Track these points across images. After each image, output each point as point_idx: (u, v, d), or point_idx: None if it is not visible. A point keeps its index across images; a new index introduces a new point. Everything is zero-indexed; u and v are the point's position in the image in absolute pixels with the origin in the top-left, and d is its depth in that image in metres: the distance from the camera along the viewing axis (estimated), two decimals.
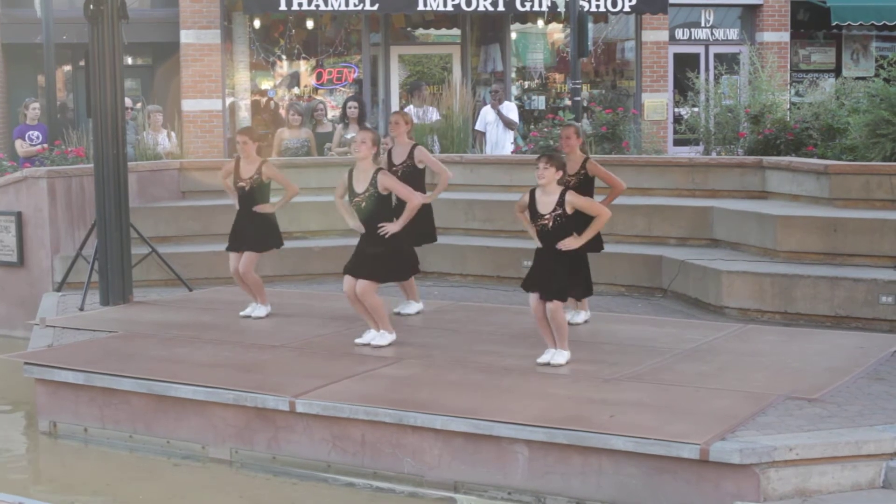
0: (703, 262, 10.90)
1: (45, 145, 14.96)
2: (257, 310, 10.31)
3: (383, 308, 9.16)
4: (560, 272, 8.31)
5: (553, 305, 8.29)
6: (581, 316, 9.72)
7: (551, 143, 14.93)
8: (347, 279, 9.09)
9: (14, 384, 9.74)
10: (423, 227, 10.14)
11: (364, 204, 9.05)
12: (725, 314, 10.32)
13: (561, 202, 8.26)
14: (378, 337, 9.10)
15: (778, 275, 10.17)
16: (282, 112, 19.92)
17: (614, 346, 9.03)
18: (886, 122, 11.97)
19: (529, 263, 11.82)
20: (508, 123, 16.95)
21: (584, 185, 9.35)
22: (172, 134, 15.82)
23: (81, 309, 10.86)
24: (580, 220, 8.41)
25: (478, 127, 16.78)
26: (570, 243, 8.28)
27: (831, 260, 10.49)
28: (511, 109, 17.37)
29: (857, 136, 12.61)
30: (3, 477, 8.12)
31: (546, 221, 8.31)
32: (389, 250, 9.05)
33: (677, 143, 21.33)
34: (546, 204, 8.31)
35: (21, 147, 15.36)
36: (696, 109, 16.55)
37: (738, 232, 11.42)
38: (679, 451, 6.56)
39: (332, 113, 19.07)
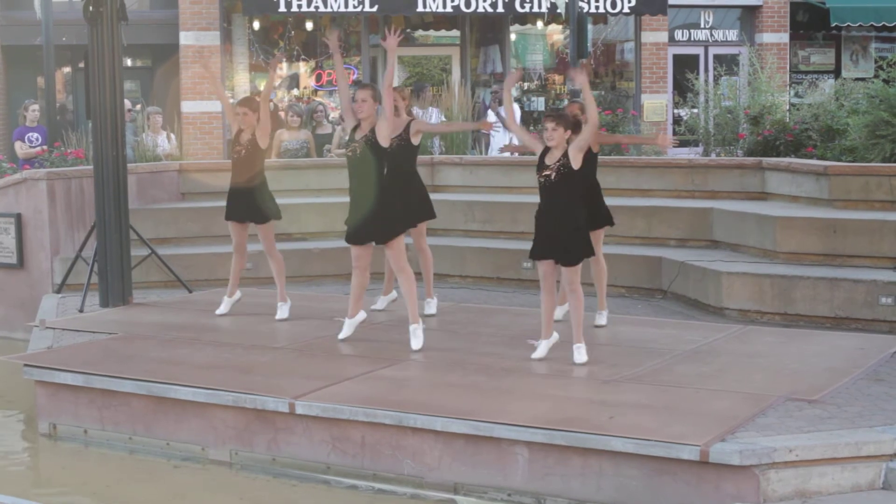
0: (702, 263, 10.90)
1: (45, 147, 14.95)
2: (280, 310, 10.27)
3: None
4: (571, 233, 8.35)
5: (570, 274, 8.34)
6: (604, 317, 9.74)
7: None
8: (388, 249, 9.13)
9: (14, 386, 9.74)
10: (422, 202, 10.07)
11: (359, 150, 8.97)
12: (725, 315, 10.32)
13: (565, 153, 8.32)
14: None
15: (777, 276, 10.18)
16: (281, 114, 19.92)
17: (614, 347, 9.03)
18: (886, 123, 11.97)
19: (530, 265, 11.92)
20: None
21: (590, 160, 9.17)
22: (172, 135, 15.82)
23: (81, 311, 10.86)
24: (583, 171, 8.48)
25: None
26: (577, 77, 8.54)
27: (831, 261, 10.49)
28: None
29: (856, 137, 12.62)
30: (3, 479, 8.12)
31: (549, 172, 8.35)
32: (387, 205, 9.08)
33: (677, 144, 21.31)
34: (553, 157, 8.38)
35: (21, 149, 15.35)
36: (695, 110, 16.56)
37: (738, 233, 11.43)
38: (679, 452, 6.56)
39: (332, 114, 19.07)
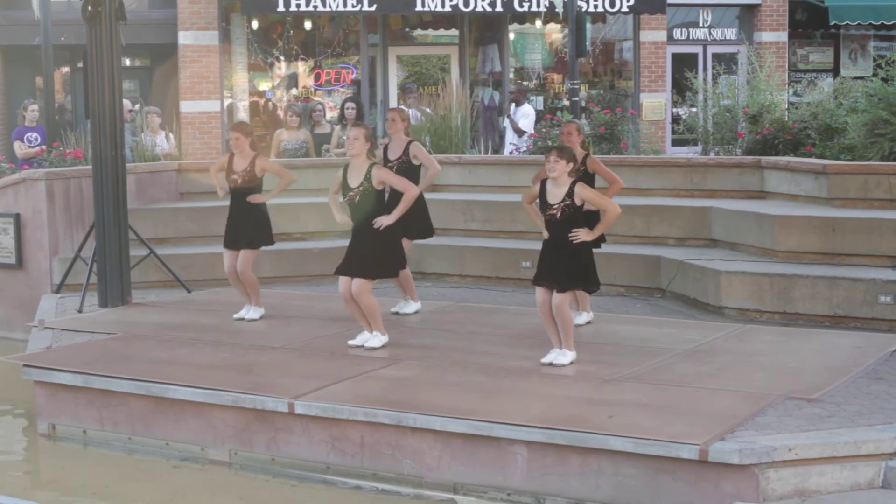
0: (701, 262, 10.90)
1: (44, 147, 14.95)
2: (251, 311, 10.29)
3: (378, 309, 9.15)
4: (568, 263, 8.34)
5: (558, 300, 8.30)
6: (583, 317, 9.73)
7: (549, 143, 14.94)
8: (343, 280, 9.09)
9: (13, 386, 9.73)
10: (421, 221, 10.17)
11: (358, 199, 9.04)
12: (724, 314, 10.32)
13: (570, 193, 8.31)
14: (371, 339, 9.09)
15: (776, 275, 10.18)
16: (280, 113, 19.92)
17: (613, 346, 9.03)
18: (884, 121, 11.98)
19: (529, 264, 11.92)
20: (517, 131, 16.99)
21: (583, 181, 9.33)
22: (171, 135, 15.82)
23: (80, 311, 10.86)
24: (586, 214, 8.49)
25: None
26: (583, 235, 8.33)
27: (830, 260, 10.49)
28: (527, 114, 17.38)
29: (855, 136, 12.62)
30: (3, 479, 8.11)
31: (554, 212, 8.35)
32: (379, 246, 9.05)
33: (675, 143, 21.34)
34: (556, 195, 8.36)
35: (19, 149, 15.35)
36: (694, 109, 16.56)
37: (737, 232, 11.42)
38: (678, 451, 6.56)
39: (331, 114, 19.06)
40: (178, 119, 17.78)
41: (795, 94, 20.81)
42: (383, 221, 8.98)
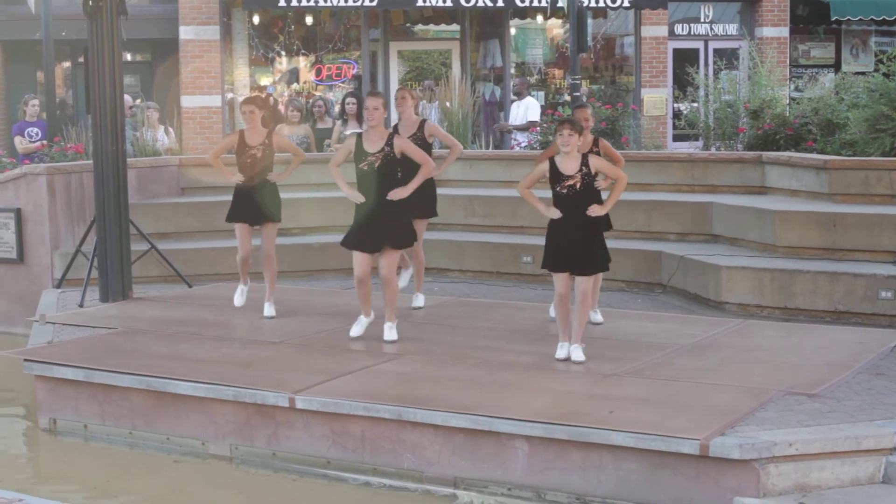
0: (702, 257, 10.90)
1: (45, 142, 14.95)
2: (269, 308, 10.17)
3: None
4: (593, 244, 8.27)
5: (586, 285, 8.23)
6: (600, 315, 9.61)
7: (550, 139, 14.93)
8: (363, 259, 8.98)
9: (14, 381, 9.74)
10: (428, 199, 10.02)
11: (378, 164, 8.88)
12: (725, 309, 10.32)
13: (585, 163, 8.21)
14: (390, 330, 9.06)
15: (777, 270, 10.18)
16: (281, 108, 19.91)
17: (614, 341, 9.03)
18: (886, 117, 11.96)
19: (530, 259, 11.93)
20: (518, 127, 16.98)
21: None
22: (171, 130, 15.81)
23: (81, 305, 10.86)
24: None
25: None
26: (597, 210, 8.24)
27: (830, 255, 10.49)
28: (531, 107, 17.35)
29: (856, 132, 12.60)
30: (4, 473, 8.11)
31: (574, 181, 8.19)
32: (399, 216, 8.96)
33: (677, 138, 21.30)
34: (570, 167, 8.22)
35: (20, 143, 15.35)
36: (695, 105, 16.53)
37: (738, 227, 11.42)
38: (679, 446, 6.56)
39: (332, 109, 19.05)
40: (179, 114, 17.77)
41: (797, 89, 20.79)
42: (398, 193, 8.88)
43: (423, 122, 10.09)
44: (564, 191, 8.25)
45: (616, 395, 7.49)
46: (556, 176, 8.27)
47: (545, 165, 8.35)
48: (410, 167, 9.09)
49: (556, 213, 8.29)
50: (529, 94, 19.04)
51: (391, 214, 8.95)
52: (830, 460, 6.55)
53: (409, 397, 7.57)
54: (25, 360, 8.97)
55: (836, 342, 8.90)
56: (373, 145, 8.92)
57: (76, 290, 11.30)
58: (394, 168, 8.97)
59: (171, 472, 7.95)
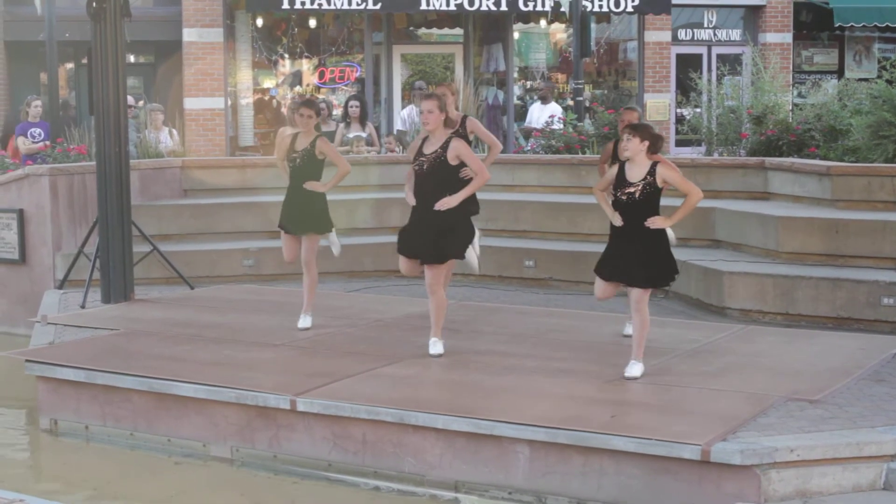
0: (704, 262, 10.90)
1: (48, 143, 14.96)
2: (305, 319, 9.79)
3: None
4: (648, 255, 7.88)
5: (637, 295, 7.90)
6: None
7: (553, 143, 14.94)
8: (402, 260, 8.64)
9: (15, 381, 9.74)
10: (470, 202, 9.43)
11: (426, 166, 8.47)
12: (727, 315, 10.32)
13: (652, 172, 7.86)
14: (434, 345, 8.71)
15: (780, 276, 10.18)
16: (284, 111, 19.92)
17: (616, 346, 9.02)
18: (889, 123, 11.97)
19: (532, 264, 11.93)
20: (526, 133, 17.03)
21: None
22: (174, 132, 15.82)
23: (83, 306, 10.87)
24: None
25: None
26: (659, 222, 7.87)
27: (833, 261, 10.49)
28: (555, 112, 17.31)
29: (859, 138, 12.61)
30: (5, 474, 8.12)
31: (633, 190, 7.84)
32: (450, 224, 8.51)
33: (679, 143, 21.31)
34: (635, 174, 7.88)
35: (23, 144, 15.36)
36: (698, 110, 16.53)
37: (740, 233, 11.42)
38: (680, 451, 6.56)
39: (335, 112, 19.06)
40: (182, 116, 17.79)
41: (800, 95, 20.78)
42: (446, 202, 8.41)
43: (464, 119, 9.68)
44: (624, 197, 7.92)
45: (618, 399, 7.49)
46: (619, 181, 7.98)
47: (614, 171, 8.03)
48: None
49: (618, 220, 7.96)
50: (552, 101, 19.04)
51: (432, 226, 8.50)
52: (832, 466, 6.54)
53: (410, 400, 7.57)
54: (27, 360, 8.97)
55: (838, 348, 8.89)
56: (430, 146, 8.56)
57: (78, 292, 11.31)
58: (447, 173, 8.55)
59: (172, 474, 7.95)
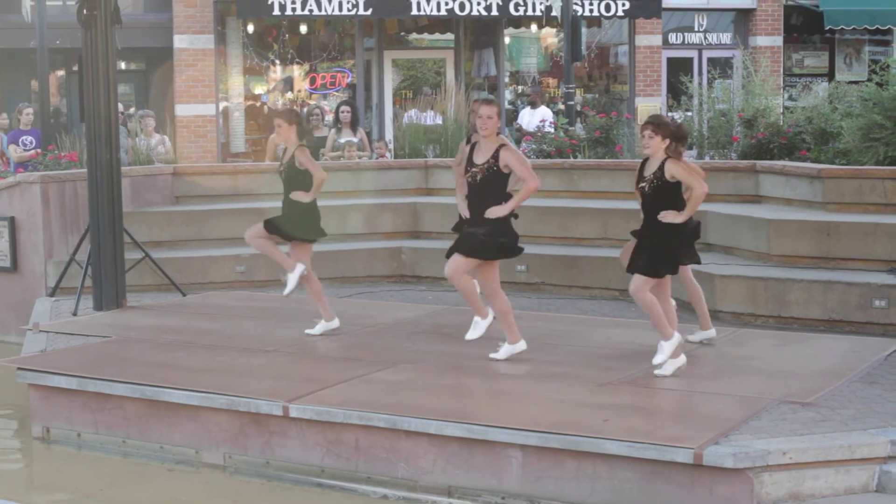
0: (696, 265, 10.89)
1: (39, 150, 14.94)
2: (322, 325, 9.77)
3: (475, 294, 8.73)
4: (649, 245, 8.12)
5: (633, 285, 8.06)
6: (699, 335, 9.14)
7: (545, 147, 14.95)
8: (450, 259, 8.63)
9: (7, 389, 9.70)
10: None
11: (480, 177, 8.47)
12: (719, 318, 10.31)
13: (662, 167, 8.05)
14: (499, 350, 8.70)
15: (771, 279, 10.19)
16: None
17: (608, 350, 9.03)
18: (879, 126, 11.99)
19: (524, 268, 11.93)
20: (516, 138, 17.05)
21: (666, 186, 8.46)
22: (166, 138, 15.82)
23: (75, 314, 10.85)
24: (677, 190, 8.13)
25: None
26: (671, 216, 8.05)
27: (824, 264, 10.50)
28: (545, 115, 17.34)
29: (850, 140, 12.63)
30: None
31: (644, 185, 8.12)
32: (494, 231, 8.52)
33: None
34: (650, 169, 8.14)
35: (14, 152, 15.34)
36: (689, 114, 16.57)
37: (732, 236, 11.43)
38: (673, 455, 6.56)
39: (327, 118, 19.07)
40: (174, 122, 17.79)
41: (790, 98, 20.85)
42: (496, 212, 8.45)
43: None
44: (639, 190, 8.24)
45: (610, 403, 7.49)
46: (638, 175, 8.29)
47: (638, 166, 8.35)
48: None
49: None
50: (542, 105, 19.07)
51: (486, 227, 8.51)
52: (824, 469, 6.55)
53: (403, 406, 7.56)
54: (19, 368, 8.95)
55: (830, 351, 8.91)
56: (480, 156, 8.53)
57: (70, 299, 11.29)
58: (498, 183, 8.49)
59: (165, 481, 7.94)
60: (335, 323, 9.74)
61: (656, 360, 8.11)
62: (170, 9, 20.09)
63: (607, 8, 20.61)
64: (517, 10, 20.31)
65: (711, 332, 9.13)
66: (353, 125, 15.43)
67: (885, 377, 8.12)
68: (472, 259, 8.56)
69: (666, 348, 8.09)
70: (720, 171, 12.73)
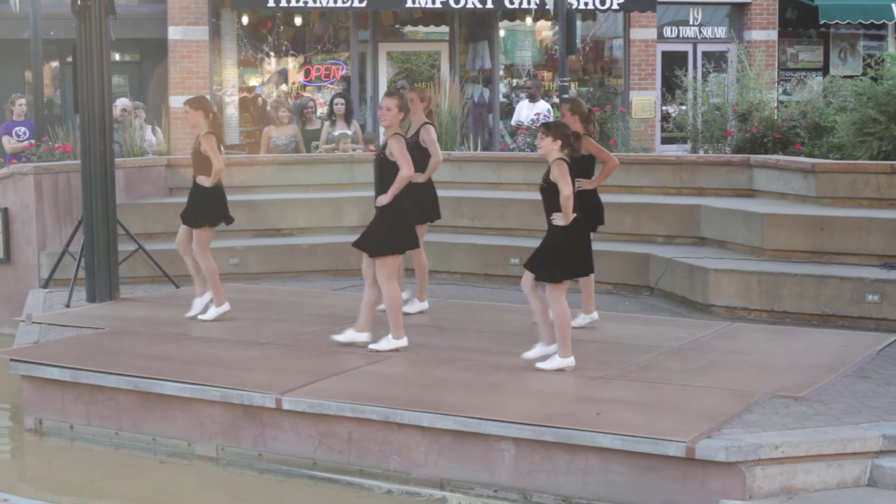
0: (690, 260, 10.91)
1: (32, 141, 14.91)
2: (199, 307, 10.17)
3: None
4: (541, 247, 8.20)
5: (547, 292, 8.13)
6: (579, 319, 9.35)
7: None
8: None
9: (0, 381, 9.71)
10: (429, 203, 10.05)
11: (374, 163, 8.90)
12: (712, 312, 10.33)
13: (549, 170, 8.12)
14: (380, 342, 8.87)
15: (765, 273, 10.19)
16: (269, 109, 19.88)
17: (601, 344, 9.04)
18: (873, 120, 12.00)
19: (517, 261, 11.92)
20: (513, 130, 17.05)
21: (577, 162, 8.67)
22: (158, 130, 15.79)
23: (68, 305, 10.84)
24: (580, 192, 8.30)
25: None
26: (557, 220, 8.08)
27: (818, 258, 10.51)
28: (543, 110, 17.31)
29: (844, 135, 12.64)
30: None
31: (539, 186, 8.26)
32: (384, 223, 8.80)
33: (665, 141, 21.35)
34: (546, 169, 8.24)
35: (8, 143, 15.31)
36: (683, 107, 16.56)
37: (726, 230, 11.44)
38: (665, 448, 6.57)
39: (321, 110, 19.04)
40: (168, 114, 17.73)
41: (785, 92, 20.86)
42: (381, 200, 8.75)
43: (422, 126, 10.03)
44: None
45: (603, 397, 7.49)
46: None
47: None
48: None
49: None
50: (540, 99, 19.04)
51: (375, 218, 8.90)
52: (816, 463, 6.56)
53: (396, 399, 7.57)
54: (11, 359, 8.94)
55: (823, 345, 8.92)
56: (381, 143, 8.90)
57: (63, 291, 11.27)
58: (387, 170, 8.76)
59: (157, 473, 7.94)
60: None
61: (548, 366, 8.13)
62: (164, 0, 20.05)
63: (602, 1, 20.60)
64: (512, 3, 20.30)
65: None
66: (348, 117, 15.40)
67: (878, 372, 8.13)
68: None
69: (557, 362, 8.13)
70: (714, 166, 12.75)
